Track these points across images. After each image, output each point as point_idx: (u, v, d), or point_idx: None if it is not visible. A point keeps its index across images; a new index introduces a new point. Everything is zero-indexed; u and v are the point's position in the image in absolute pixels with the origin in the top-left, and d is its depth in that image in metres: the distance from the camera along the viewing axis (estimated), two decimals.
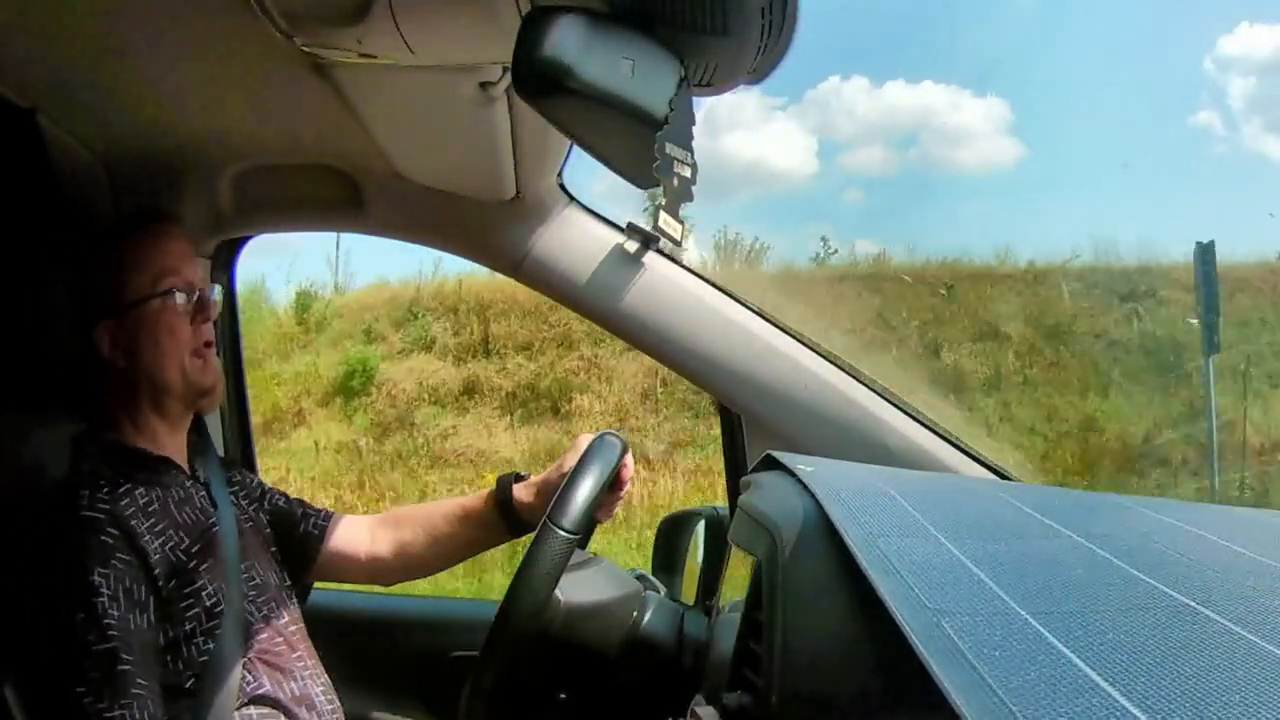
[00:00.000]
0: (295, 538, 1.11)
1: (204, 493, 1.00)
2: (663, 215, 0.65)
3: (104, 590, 0.86)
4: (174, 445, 1.01)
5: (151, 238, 1.01)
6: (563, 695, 1.01)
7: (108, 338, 0.97)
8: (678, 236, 0.67)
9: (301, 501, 1.15)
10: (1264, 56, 7.81)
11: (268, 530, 1.08)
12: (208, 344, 1.01)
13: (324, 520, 1.13)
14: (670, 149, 0.63)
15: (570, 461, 1.01)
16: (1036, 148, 7.59)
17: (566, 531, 0.83)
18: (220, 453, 1.29)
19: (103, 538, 0.88)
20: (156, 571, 0.89)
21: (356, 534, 1.14)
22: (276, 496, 1.14)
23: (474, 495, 1.12)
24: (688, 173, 0.65)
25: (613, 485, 0.95)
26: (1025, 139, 7.57)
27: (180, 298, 0.99)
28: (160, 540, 0.91)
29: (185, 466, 1.01)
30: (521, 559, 0.84)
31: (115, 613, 0.86)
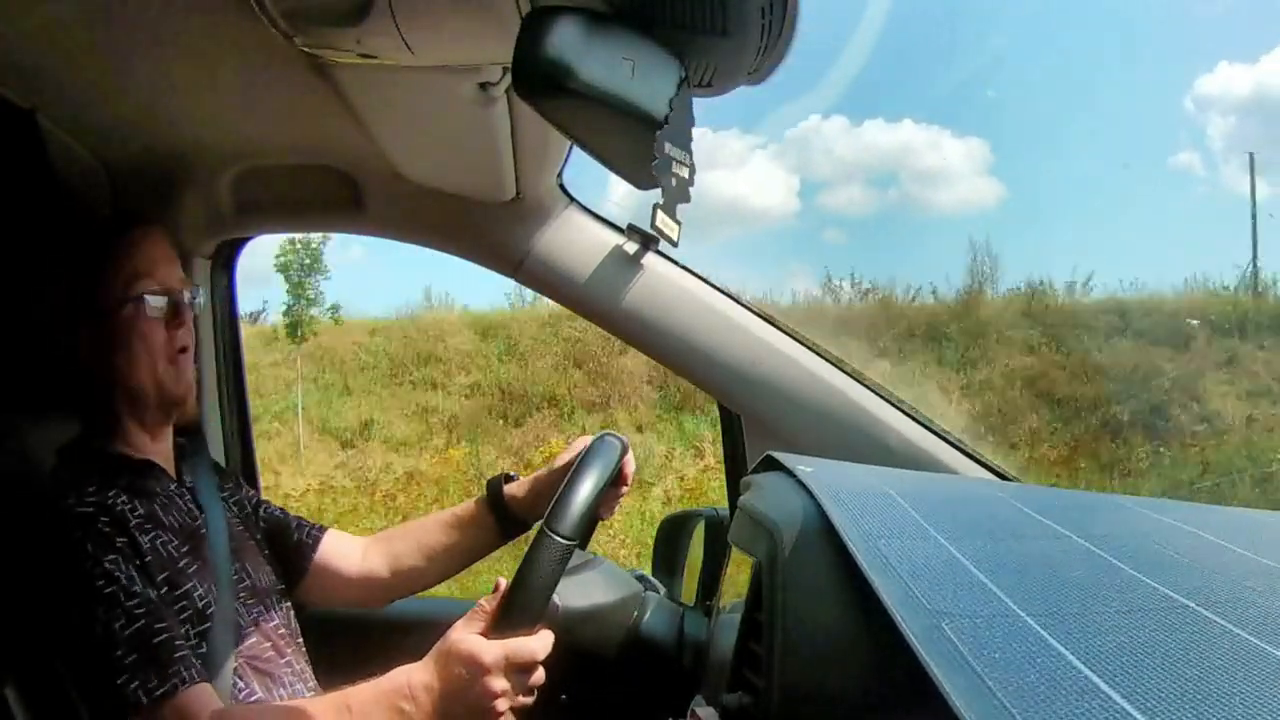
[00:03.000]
0: (288, 547, 1.10)
1: (189, 496, 0.99)
2: (659, 215, 0.65)
3: (119, 574, 0.85)
4: (158, 451, 1.00)
5: (128, 240, 0.98)
6: (564, 696, 1.01)
7: (86, 341, 0.96)
8: (675, 237, 0.67)
9: (297, 516, 1.14)
10: (1242, 96, 7.78)
11: (259, 536, 1.08)
12: (184, 349, 0.98)
13: (317, 532, 1.13)
14: (669, 149, 0.63)
15: (564, 459, 1.01)
16: (1017, 188, 7.60)
17: (563, 538, 0.82)
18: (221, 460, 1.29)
19: (99, 527, 0.87)
20: (149, 560, 0.88)
21: (348, 550, 1.13)
22: (271, 508, 1.13)
23: (465, 502, 1.11)
24: (685, 173, 0.65)
25: (615, 482, 0.94)
26: (1006, 179, 7.58)
27: (154, 302, 0.96)
28: (150, 537, 0.90)
29: (170, 471, 1.00)
30: (518, 566, 0.84)
31: (137, 589, 0.85)
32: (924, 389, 5.91)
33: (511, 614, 0.81)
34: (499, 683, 0.79)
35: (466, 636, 0.80)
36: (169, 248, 1.02)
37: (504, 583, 0.83)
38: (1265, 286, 6.57)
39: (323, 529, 1.14)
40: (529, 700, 0.82)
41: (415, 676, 0.80)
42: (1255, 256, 6.57)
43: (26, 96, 0.97)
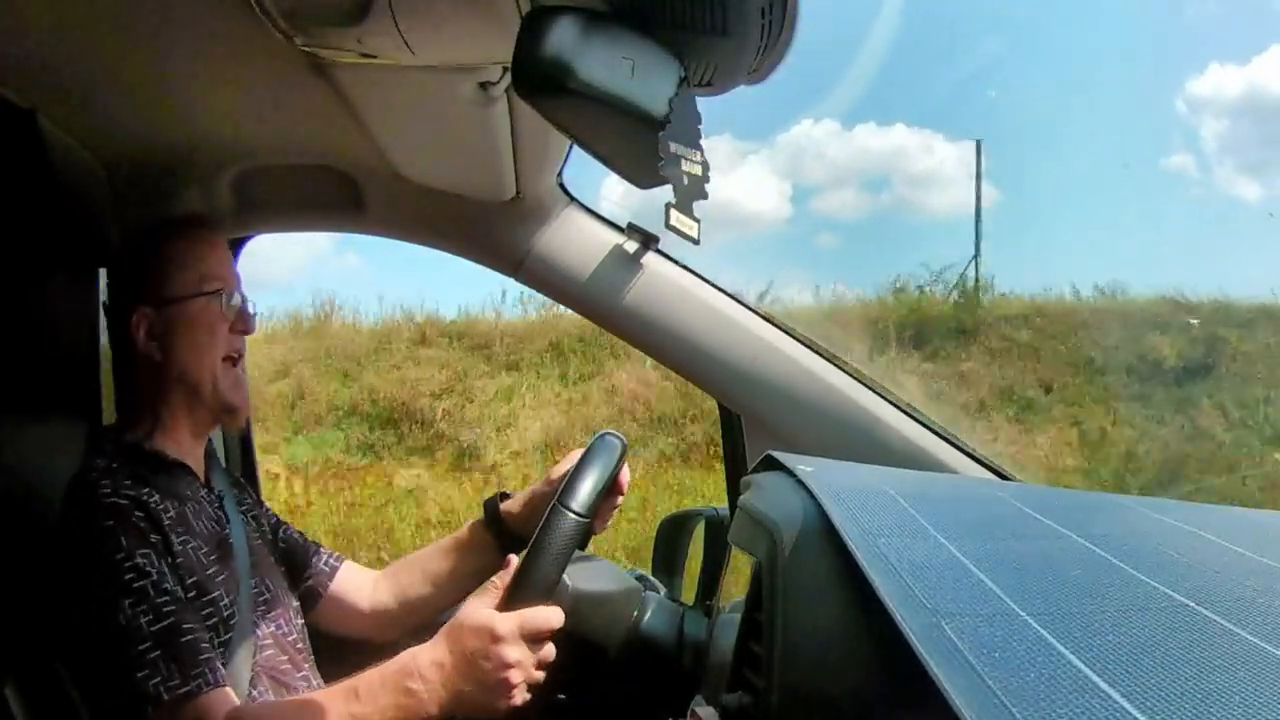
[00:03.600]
0: (305, 572, 1.11)
1: (218, 504, 1.00)
2: (674, 214, 0.65)
3: (150, 569, 0.84)
4: (192, 454, 1.00)
5: (202, 238, 1.02)
6: (562, 696, 1.01)
7: (144, 326, 0.97)
8: (694, 234, 0.67)
9: (315, 542, 1.15)
10: (1234, 97, 7.76)
11: (275, 555, 1.08)
12: (240, 356, 1.01)
13: (335, 561, 1.13)
14: (675, 148, 0.63)
15: (560, 470, 1.00)
16: (1010, 191, 7.57)
17: (577, 514, 0.83)
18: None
19: (134, 520, 0.86)
20: (180, 561, 0.88)
21: (361, 582, 1.13)
22: (290, 531, 1.14)
23: (464, 525, 1.12)
24: (698, 170, 0.65)
25: (610, 490, 0.93)
26: (999, 183, 7.55)
27: (226, 301, 0.99)
28: (181, 540, 0.90)
29: (201, 477, 1.00)
30: (531, 541, 0.84)
31: (167, 585, 0.85)
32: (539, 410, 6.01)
33: (524, 587, 0.81)
34: (514, 652, 0.79)
35: (479, 610, 0.80)
36: (231, 256, 1.06)
37: (514, 559, 0.83)
38: (980, 287, 6.38)
39: (340, 558, 1.14)
40: (540, 676, 0.82)
41: (423, 655, 0.80)
42: (977, 255, 6.43)
43: (26, 96, 0.97)
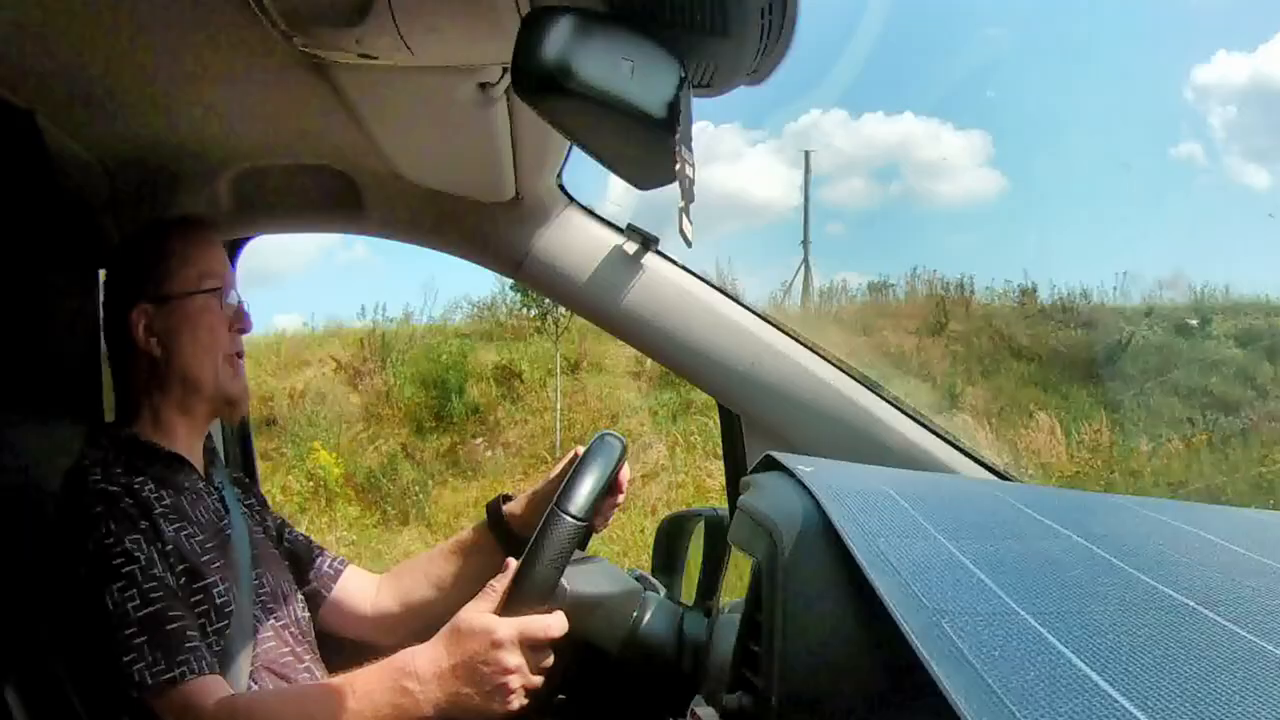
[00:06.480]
0: (309, 574, 1.11)
1: (217, 496, 1.00)
2: (682, 218, 0.65)
3: (139, 554, 0.85)
4: (191, 448, 1.00)
5: (201, 237, 1.03)
6: (562, 696, 1.00)
7: (144, 322, 0.97)
8: (690, 235, 0.67)
9: (320, 545, 1.15)
10: (1241, 84, 7.76)
11: (278, 550, 1.08)
12: (239, 354, 1.02)
13: (339, 564, 1.13)
14: (683, 150, 0.63)
15: (559, 470, 1.01)
16: (1018, 180, 7.56)
17: (574, 517, 0.83)
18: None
19: (123, 507, 0.87)
20: (170, 549, 0.88)
21: (363, 586, 1.13)
22: (295, 533, 1.14)
23: (467, 528, 1.12)
24: (690, 173, 0.65)
25: (610, 490, 0.94)
26: (1006, 171, 7.53)
27: (225, 300, 1.00)
28: (175, 528, 0.90)
29: (200, 469, 1.01)
30: (528, 545, 0.84)
31: (155, 571, 0.85)
32: None
33: (522, 591, 0.81)
34: (513, 658, 0.79)
35: (479, 614, 0.80)
36: (227, 257, 1.06)
37: (513, 562, 0.83)
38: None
39: (345, 562, 1.15)
40: (538, 682, 0.82)
41: (421, 655, 0.80)
42: (806, 256, 6.26)
43: (26, 96, 0.97)
